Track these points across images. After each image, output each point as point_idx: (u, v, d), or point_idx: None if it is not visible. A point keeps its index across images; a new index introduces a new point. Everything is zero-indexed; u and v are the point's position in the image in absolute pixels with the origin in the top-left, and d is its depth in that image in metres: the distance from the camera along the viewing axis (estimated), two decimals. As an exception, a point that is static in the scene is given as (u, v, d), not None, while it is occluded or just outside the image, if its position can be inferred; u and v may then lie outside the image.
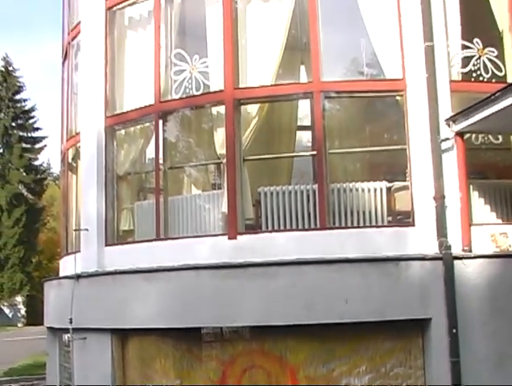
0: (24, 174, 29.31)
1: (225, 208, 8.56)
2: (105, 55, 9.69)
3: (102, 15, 9.67)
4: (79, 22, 10.47)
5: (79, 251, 9.76)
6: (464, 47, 8.53)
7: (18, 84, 30.25)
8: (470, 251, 7.59)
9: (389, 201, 8.32)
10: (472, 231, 7.73)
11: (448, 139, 7.81)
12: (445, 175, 7.80)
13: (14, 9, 58.62)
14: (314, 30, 8.42)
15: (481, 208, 8.30)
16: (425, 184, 7.88)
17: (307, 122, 10.40)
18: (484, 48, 8.52)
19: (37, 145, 30.45)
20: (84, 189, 10.01)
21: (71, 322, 8.83)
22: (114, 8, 9.76)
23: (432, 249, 7.60)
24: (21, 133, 29.75)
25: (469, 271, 7.43)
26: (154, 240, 8.92)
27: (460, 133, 7.72)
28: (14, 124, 29.54)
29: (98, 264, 9.22)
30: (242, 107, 8.71)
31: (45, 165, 31.49)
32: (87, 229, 9.49)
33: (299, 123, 11.01)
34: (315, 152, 8.74)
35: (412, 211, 8.00)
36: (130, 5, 9.73)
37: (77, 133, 10.52)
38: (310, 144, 9.28)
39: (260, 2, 8.82)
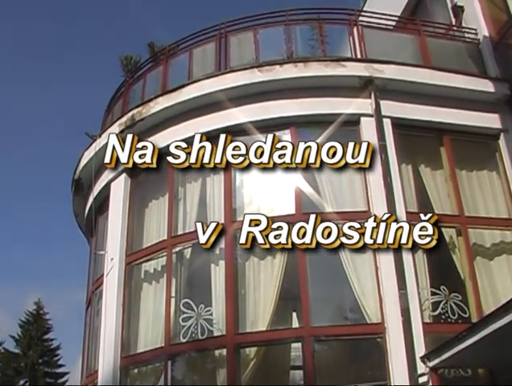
0: (47, 407, 29.95)
1: None
2: (123, 304, 10.30)
3: (122, 270, 10.49)
4: (101, 275, 11.20)
5: None
6: (433, 293, 9.26)
7: (47, 326, 31.81)
8: None
9: None
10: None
11: (424, 374, 8.25)
12: (425, 407, 8.15)
13: (46, 262, 64.55)
14: (303, 283, 9.12)
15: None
16: (407, 418, 8.14)
17: (300, 362, 10.23)
18: (450, 294, 9.30)
19: (59, 380, 31.29)
20: (98, 426, 10.08)
21: None
22: (133, 263, 10.62)
23: None
24: (46, 369, 30.74)
25: None
26: None
27: (434, 369, 8.16)
28: (40, 360, 30.63)
29: None
30: (242, 350, 9.16)
31: (65, 398, 31.93)
32: None
33: (291, 363, 11.30)
34: (307, 389, 9.01)
35: None
36: (146, 261, 10.57)
37: (96, 371, 10.68)
38: (302, 382, 9.57)
39: (256, 259, 9.60)
